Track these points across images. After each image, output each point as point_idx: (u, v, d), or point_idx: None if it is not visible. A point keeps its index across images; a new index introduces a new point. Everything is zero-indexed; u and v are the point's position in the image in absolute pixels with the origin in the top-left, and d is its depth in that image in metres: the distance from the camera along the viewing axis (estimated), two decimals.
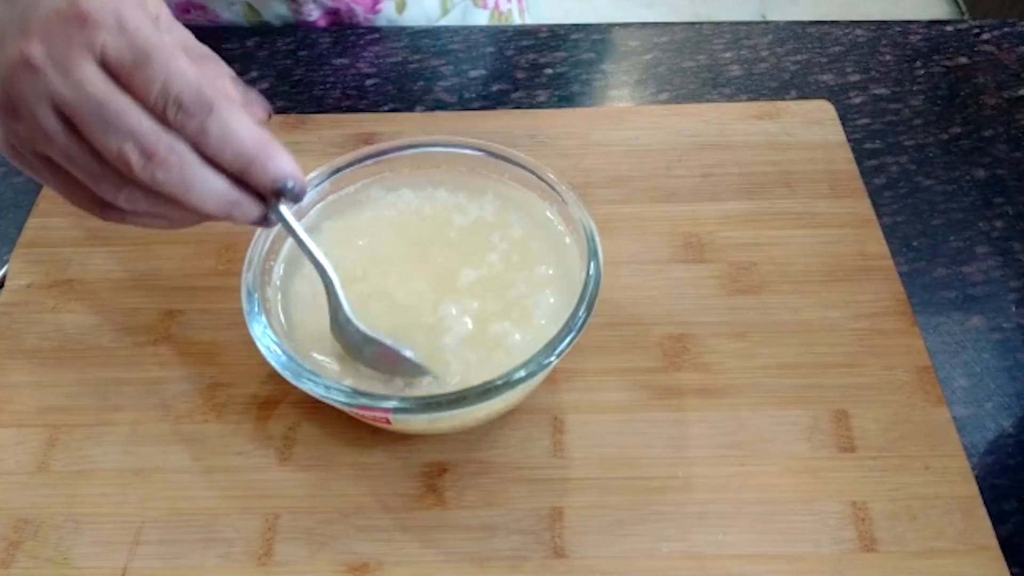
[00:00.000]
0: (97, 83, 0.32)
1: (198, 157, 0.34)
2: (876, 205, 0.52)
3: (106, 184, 0.34)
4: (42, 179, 0.36)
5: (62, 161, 0.34)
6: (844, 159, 0.54)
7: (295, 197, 0.36)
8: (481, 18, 0.72)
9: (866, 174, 0.54)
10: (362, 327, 0.39)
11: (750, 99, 0.59)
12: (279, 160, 0.35)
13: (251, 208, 0.35)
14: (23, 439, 0.43)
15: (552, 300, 0.42)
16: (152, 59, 0.32)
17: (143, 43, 0.32)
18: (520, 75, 0.61)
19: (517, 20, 0.77)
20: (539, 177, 0.44)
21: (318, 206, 0.45)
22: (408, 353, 0.39)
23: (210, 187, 0.34)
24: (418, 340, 0.40)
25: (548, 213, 0.45)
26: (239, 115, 0.34)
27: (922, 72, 0.61)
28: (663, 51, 0.63)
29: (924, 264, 0.50)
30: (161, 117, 0.33)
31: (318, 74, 0.61)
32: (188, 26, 0.37)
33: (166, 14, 0.36)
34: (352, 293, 0.42)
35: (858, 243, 0.49)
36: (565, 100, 0.59)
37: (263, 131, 0.34)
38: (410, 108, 0.59)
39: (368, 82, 0.60)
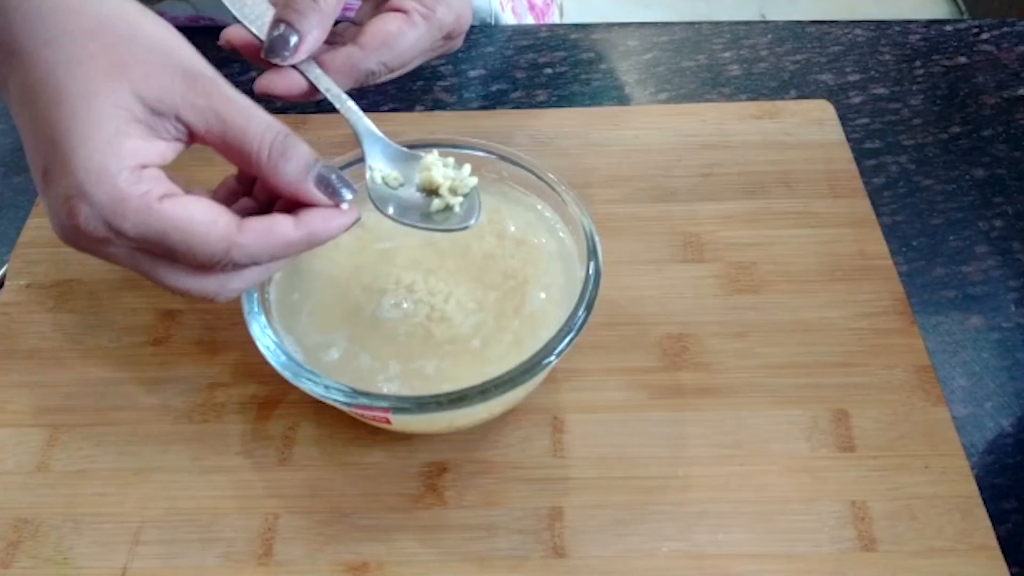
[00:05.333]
0: (134, 262, 0.34)
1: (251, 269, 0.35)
2: (876, 205, 0.52)
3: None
4: None
5: None
6: (844, 159, 0.54)
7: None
8: None
9: (866, 174, 0.54)
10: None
11: (750, 99, 0.59)
12: (328, 232, 0.36)
13: None
14: (23, 439, 0.43)
15: (552, 300, 0.42)
16: (176, 251, 0.32)
17: (158, 237, 0.32)
18: (520, 75, 0.61)
19: None
20: (539, 177, 0.44)
21: None
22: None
23: (271, 272, 0.37)
24: (417, 336, 0.41)
25: (548, 213, 0.45)
26: (276, 238, 0.34)
27: (921, 72, 0.61)
28: (663, 51, 0.63)
29: (924, 264, 0.50)
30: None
31: None
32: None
33: (150, 93, 0.33)
34: (356, 286, 0.42)
35: (858, 243, 0.49)
36: (565, 100, 0.59)
37: (302, 230, 0.35)
38: (410, 108, 0.59)
39: None
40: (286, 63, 0.39)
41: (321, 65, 0.40)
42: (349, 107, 0.41)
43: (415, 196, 0.41)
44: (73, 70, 0.32)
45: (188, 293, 0.35)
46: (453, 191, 0.40)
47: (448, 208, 0.40)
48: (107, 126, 0.32)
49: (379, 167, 0.41)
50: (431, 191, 0.41)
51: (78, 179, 0.31)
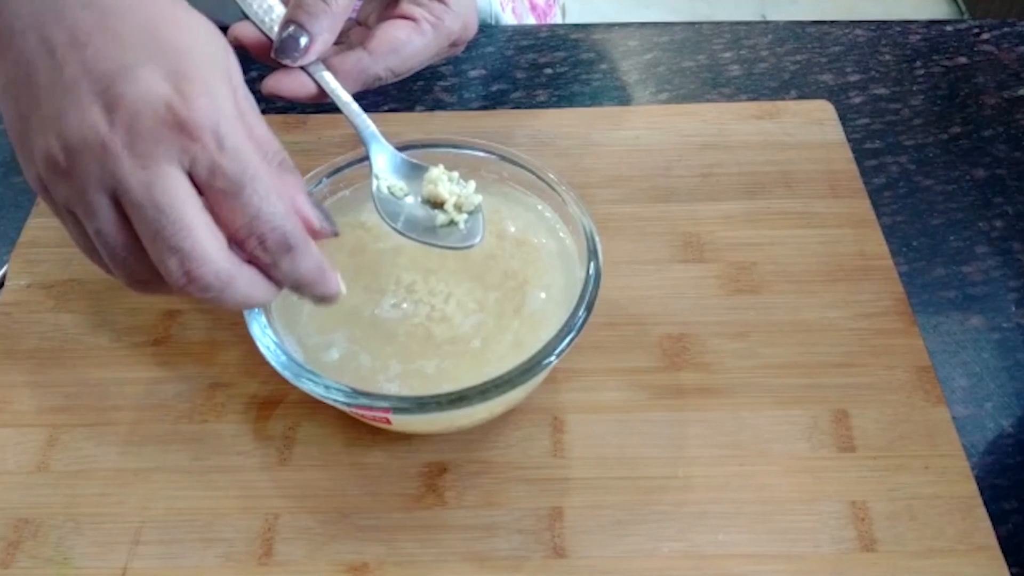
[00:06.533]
0: (168, 190, 0.31)
1: (244, 275, 0.33)
2: (876, 205, 0.52)
3: (129, 272, 0.34)
4: (65, 225, 0.35)
5: (92, 233, 0.33)
6: (844, 159, 0.54)
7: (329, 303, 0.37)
8: None
9: (866, 174, 0.54)
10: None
11: (750, 99, 0.59)
12: (328, 286, 0.35)
13: (276, 295, 0.36)
14: (23, 439, 0.43)
15: (552, 300, 0.42)
16: (244, 193, 0.32)
17: (239, 171, 0.32)
18: (520, 75, 0.61)
19: None
20: (539, 177, 0.44)
21: None
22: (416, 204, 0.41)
23: (247, 299, 0.34)
24: (417, 336, 0.41)
25: (548, 213, 0.45)
26: (310, 249, 0.34)
27: (922, 72, 0.61)
28: (663, 51, 0.63)
29: (924, 264, 0.50)
30: (235, 240, 0.33)
31: None
32: None
33: (251, 109, 0.34)
34: (356, 286, 0.42)
35: (858, 243, 0.49)
36: (565, 100, 0.59)
37: (321, 259, 0.35)
38: (410, 108, 0.59)
39: None
40: (296, 64, 0.39)
41: (329, 68, 0.40)
42: (356, 113, 0.41)
43: (419, 208, 0.41)
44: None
45: (176, 238, 0.31)
46: (458, 207, 0.41)
47: (452, 223, 0.41)
48: (223, 62, 0.34)
49: (385, 177, 0.41)
50: (435, 204, 0.41)
51: (208, 74, 0.32)
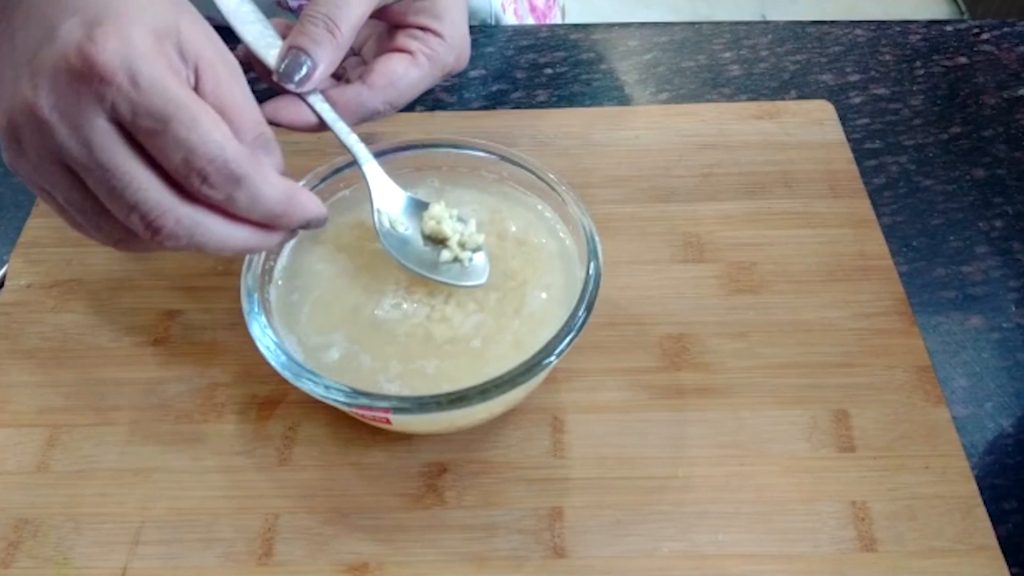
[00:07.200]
0: (104, 145, 0.31)
1: (212, 217, 0.33)
2: (876, 205, 0.52)
3: (107, 234, 0.34)
4: (44, 201, 0.35)
5: (64, 204, 0.33)
6: (844, 159, 0.54)
7: (318, 227, 0.36)
8: None
9: (866, 174, 0.54)
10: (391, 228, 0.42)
11: (750, 99, 0.59)
12: (304, 208, 0.35)
13: (272, 241, 0.36)
14: (23, 439, 0.43)
15: (552, 300, 0.42)
16: (170, 126, 0.30)
17: (160, 105, 0.30)
18: (520, 75, 0.61)
19: None
20: (539, 177, 0.44)
21: None
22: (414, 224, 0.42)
23: (226, 240, 0.33)
24: (417, 336, 0.41)
25: (548, 213, 0.45)
26: (266, 176, 0.33)
27: (922, 72, 0.61)
28: (663, 51, 0.63)
29: (924, 264, 0.50)
30: (183, 183, 0.32)
31: None
32: None
33: (189, 35, 0.33)
34: (356, 286, 0.42)
35: (858, 243, 0.49)
36: (565, 100, 0.59)
37: (287, 183, 0.34)
38: (410, 108, 0.58)
39: None
40: (297, 89, 0.39)
41: (328, 100, 0.40)
42: (359, 148, 0.41)
43: (421, 244, 0.42)
44: None
45: (128, 193, 0.31)
46: (462, 244, 0.41)
47: (456, 260, 0.41)
48: (161, 20, 0.32)
49: (386, 210, 0.41)
50: (437, 241, 0.42)
51: (126, 21, 0.31)
